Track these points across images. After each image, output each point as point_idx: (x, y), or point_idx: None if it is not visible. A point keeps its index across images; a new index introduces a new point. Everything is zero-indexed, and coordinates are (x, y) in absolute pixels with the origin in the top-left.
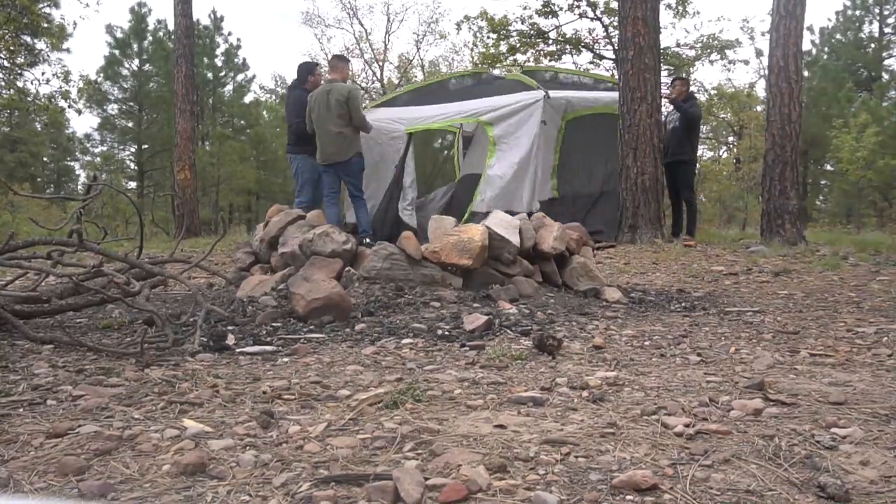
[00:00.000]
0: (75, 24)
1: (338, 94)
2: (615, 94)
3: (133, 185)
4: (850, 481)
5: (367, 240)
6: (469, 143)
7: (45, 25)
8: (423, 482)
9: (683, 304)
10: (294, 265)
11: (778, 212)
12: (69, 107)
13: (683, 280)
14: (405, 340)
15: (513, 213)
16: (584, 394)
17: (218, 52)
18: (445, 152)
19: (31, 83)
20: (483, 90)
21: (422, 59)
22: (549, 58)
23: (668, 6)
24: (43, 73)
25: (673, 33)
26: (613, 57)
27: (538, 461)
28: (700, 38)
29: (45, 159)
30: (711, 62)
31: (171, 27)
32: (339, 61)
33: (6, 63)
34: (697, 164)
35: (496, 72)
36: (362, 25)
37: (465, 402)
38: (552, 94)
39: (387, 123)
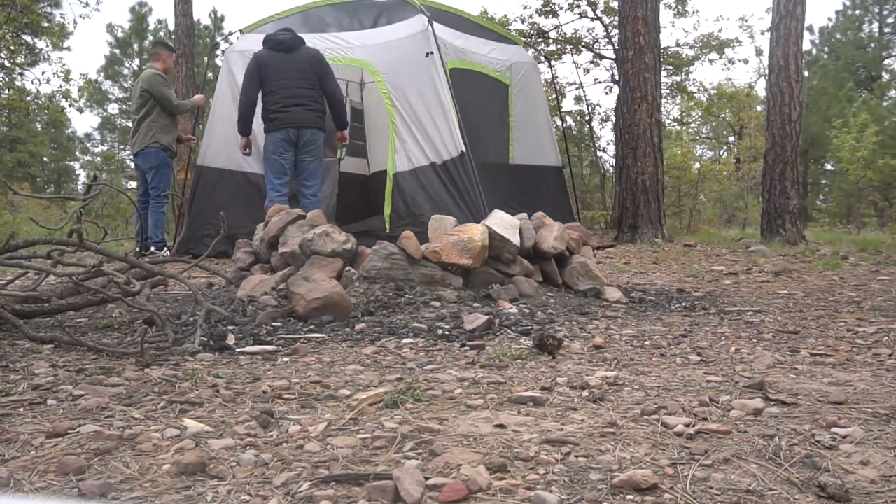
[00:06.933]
0: (75, 22)
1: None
2: (501, 55)
3: (133, 184)
4: (850, 481)
5: (154, 248)
6: (360, 116)
7: (46, 25)
8: (424, 482)
9: (683, 304)
10: (294, 265)
11: (778, 211)
12: (70, 105)
13: (683, 280)
14: (405, 340)
15: (442, 159)
16: (585, 393)
17: (218, 51)
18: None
19: (32, 83)
20: (368, 15)
21: None
22: (549, 57)
23: (668, 6)
24: (43, 73)
25: (672, 32)
26: (613, 57)
27: (538, 461)
28: (700, 38)
29: (44, 159)
30: (711, 62)
31: (171, 27)
32: (160, 49)
33: (6, 63)
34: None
35: None
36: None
37: (465, 401)
38: (438, 27)
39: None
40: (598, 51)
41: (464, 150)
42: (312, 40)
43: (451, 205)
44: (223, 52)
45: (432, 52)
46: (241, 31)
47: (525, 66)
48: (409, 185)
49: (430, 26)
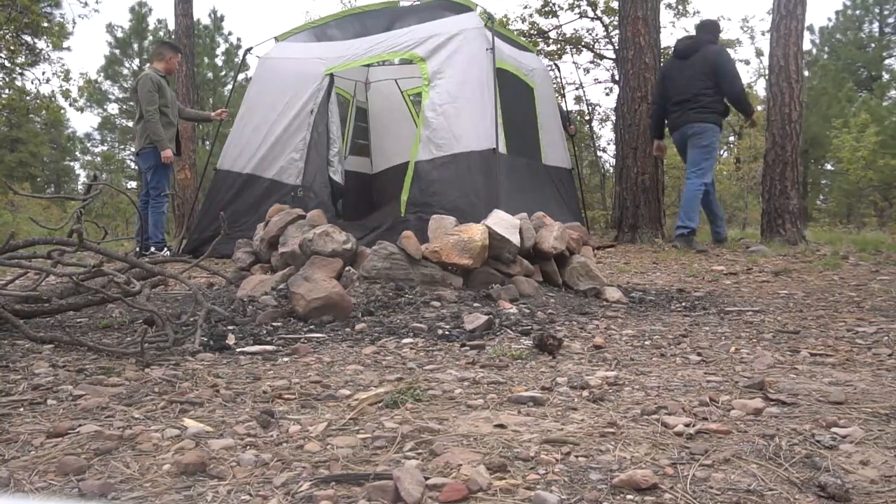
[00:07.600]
0: (75, 22)
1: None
2: (525, 60)
3: (133, 184)
4: (850, 481)
5: (154, 248)
6: (365, 115)
7: (45, 25)
8: (424, 482)
9: (683, 304)
10: (294, 265)
11: (778, 211)
12: (70, 105)
13: (683, 280)
14: (405, 340)
15: (470, 150)
16: (585, 393)
17: (218, 51)
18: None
19: (32, 83)
20: (410, 18)
21: None
22: (549, 57)
23: (669, 5)
24: (43, 73)
25: (673, 32)
26: (613, 57)
27: (538, 461)
28: None
29: (44, 159)
30: None
31: (171, 27)
32: (165, 49)
33: (6, 63)
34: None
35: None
36: None
37: (465, 401)
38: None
39: (299, 63)
40: (598, 51)
41: (495, 147)
42: (349, 45)
43: (472, 196)
44: (247, 53)
45: (491, 49)
46: (275, 38)
47: (541, 73)
48: (426, 173)
49: (487, 25)
